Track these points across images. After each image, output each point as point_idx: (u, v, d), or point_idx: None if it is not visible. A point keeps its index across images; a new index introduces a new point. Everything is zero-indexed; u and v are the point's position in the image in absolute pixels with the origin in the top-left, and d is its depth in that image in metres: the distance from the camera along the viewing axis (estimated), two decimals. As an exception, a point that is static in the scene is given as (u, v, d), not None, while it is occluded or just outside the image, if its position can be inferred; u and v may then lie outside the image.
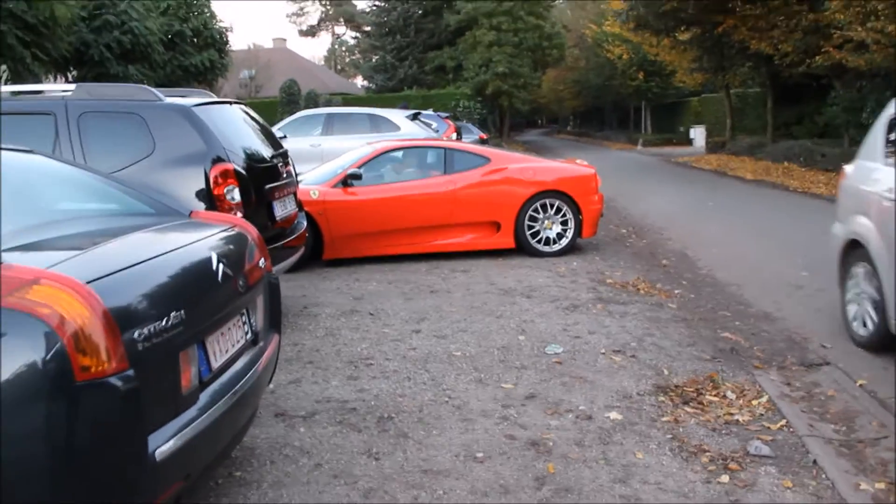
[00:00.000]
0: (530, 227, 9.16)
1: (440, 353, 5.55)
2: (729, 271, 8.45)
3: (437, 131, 16.73)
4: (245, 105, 6.71)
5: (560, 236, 9.22)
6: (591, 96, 54.29)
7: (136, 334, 2.35)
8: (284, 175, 6.42)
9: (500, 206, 9.12)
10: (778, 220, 12.64)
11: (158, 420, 2.46)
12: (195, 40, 26.82)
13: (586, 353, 5.50)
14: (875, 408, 4.57)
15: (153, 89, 5.71)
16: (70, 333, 2.16)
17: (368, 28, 58.38)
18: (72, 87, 5.80)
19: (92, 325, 2.20)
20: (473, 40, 39.24)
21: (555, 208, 9.16)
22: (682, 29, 27.28)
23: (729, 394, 4.77)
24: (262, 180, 5.88)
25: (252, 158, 5.90)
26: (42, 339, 2.13)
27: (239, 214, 5.14)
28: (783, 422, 4.33)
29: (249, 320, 3.33)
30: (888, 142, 5.78)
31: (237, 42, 30.48)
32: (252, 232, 3.61)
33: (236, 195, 5.43)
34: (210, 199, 5.30)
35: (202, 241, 3.13)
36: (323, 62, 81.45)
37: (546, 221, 9.20)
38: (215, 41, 27.51)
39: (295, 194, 6.72)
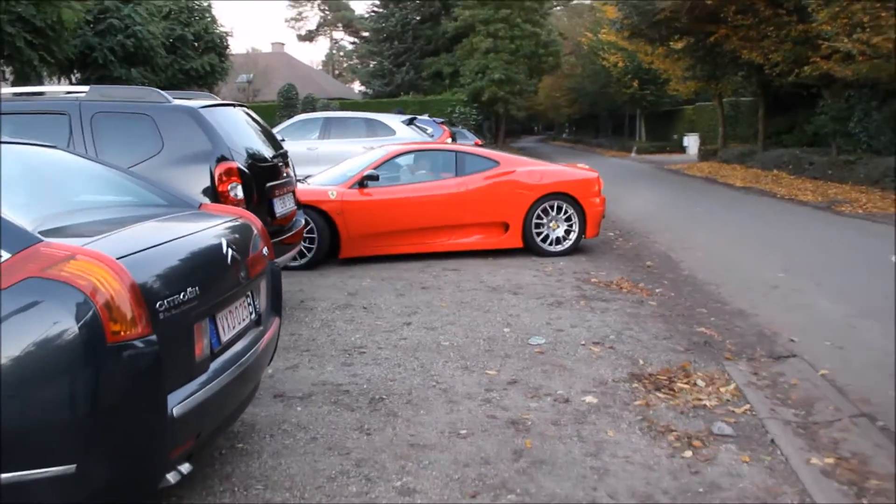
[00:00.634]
0: (537, 228, 9.57)
1: (429, 342, 5.88)
2: (709, 272, 8.80)
3: (433, 136, 17.07)
4: (247, 108, 7.05)
5: (565, 237, 9.66)
6: (587, 103, 54.67)
7: (158, 305, 2.69)
8: (284, 175, 6.76)
9: (508, 207, 9.52)
10: (762, 225, 13.01)
11: (176, 382, 2.80)
12: (196, 44, 27.22)
13: (567, 345, 5.84)
14: (833, 394, 4.91)
15: (162, 92, 6.06)
16: (102, 302, 2.49)
17: (366, 33, 58.79)
18: (84, 88, 6.13)
19: (121, 295, 2.54)
20: (470, 47, 39.64)
21: (560, 210, 9.59)
22: (676, 38, 27.65)
23: (699, 382, 5.10)
24: (263, 179, 6.22)
25: (254, 158, 6.24)
26: (79, 305, 2.46)
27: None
28: (747, 406, 4.67)
29: (254, 302, 3.66)
30: None
31: (236, 46, 30.83)
32: (257, 223, 3.95)
33: (239, 192, 5.77)
34: (214, 195, 5.64)
35: (213, 229, 3.46)
36: (321, 67, 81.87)
37: (552, 222, 9.63)
38: (216, 45, 27.91)
39: (294, 193, 7.06)
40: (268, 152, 6.65)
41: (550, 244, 9.64)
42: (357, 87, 64.69)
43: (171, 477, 2.85)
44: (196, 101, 6.11)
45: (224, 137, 5.87)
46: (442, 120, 21.68)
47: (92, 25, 21.21)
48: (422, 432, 4.21)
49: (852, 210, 14.46)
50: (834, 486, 3.65)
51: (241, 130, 6.36)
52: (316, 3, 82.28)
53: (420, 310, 6.92)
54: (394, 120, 16.34)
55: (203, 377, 2.98)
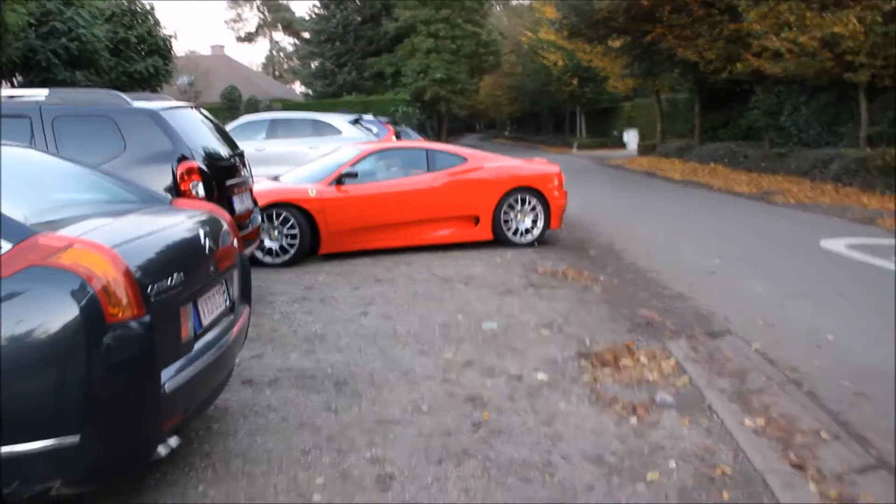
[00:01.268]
0: (506, 221, 9.98)
1: (387, 330, 6.16)
2: (650, 260, 9.22)
3: (378, 136, 17.28)
4: (203, 109, 7.25)
5: (531, 228, 10.08)
6: (528, 101, 55.45)
7: (149, 289, 2.93)
8: (242, 173, 6.97)
9: (478, 201, 9.92)
10: (700, 215, 13.56)
11: (166, 360, 3.04)
12: (140, 47, 27.05)
13: (518, 329, 6.16)
14: (764, 365, 5.32)
15: (121, 94, 6.23)
16: (100, 286, 2.72)
17: (307, 34, 58.62)
18: (44, 92, 6.27)
19: (117, 280, 2.77)
20: (412, 47, 39.89)
21: (525, 203, 10.02)
22: (614, 37, 28.31)
23: (642, 358, 5.46)
24: (222, 177, 6.44)
25: (213, 157, 6.44)
26: (79, 289, 2.69)
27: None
28: (686, 378, 5.04)
29: (228, 291, 3.90)
30: None
31: (176, 48, 30.53)
32: (226, 217, 4.18)
33: (200, 190, 5.97)
34: (177, 193, 5.84)
35: (188, 222, 3.69)
36: (261, 69, 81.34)
37: (519, 215, 10.05)
38: (159, 48, 27.76)
39: (251, 192, 7.27)
40: (225, 152, 6.86)
41: (519, 235, 10.07)
42: (298, 88, 64.44)
43: (162, 449, 3.09)
44: (156, 103, 6.29)
45: (184, 138, 6.07)
46: (386, 119, 21.92)
47: (34, 28, 21.00)
48: (386, 410, 4.49)
49: (784, 200, 15.10)
50: (764, 443, 4.02)
51: (198, 131, 6.56)
52: (255, 4, 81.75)
53: (376, 301, 7.18)
54: (339, 120, 16.52)
55: (189, 356, 3.22)
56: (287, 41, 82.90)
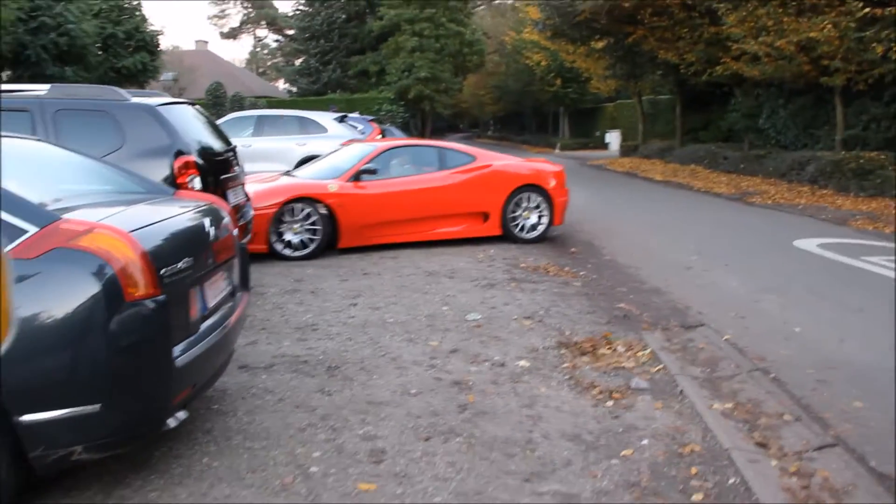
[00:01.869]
0: (513, 217, 10.31)
1: (375, 320, 6.41)
2: (629, 257, 9.52)
3: (364, 133, 17.53)
4: (198, 106, 7.46)
5: (536, 224, 10.43)
6: (511, 101, 55.73)
7: (163, 271, 3.17)
8: (235, 168, 7.19)
9: (489, 198, 10.25)
10: (679, 215, 13.89)
11: (178, 337, 3.28)
12: (128, 43, 27.16)
13: (501, 320, 6.43)
14: (735, 355, 5.61)
15: (120, 90, 6.44)
16: (119, 267, 2.96)
17: (291, 31, 58.67)
18: (45, 87, 6.47)
19: (134, 262, 3.01)
20: (396, 46, 40.13)
21: (530, 200, 10.38)
22: (596, 38, 28.61)
23: (619, 348, 5.74)
24: (217, 171, 6.67)
25: (208, 152, 6.67)
26: (101, 269, 2.93)
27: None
28: (661, 366, 5.32)
29: (230, 276, 4.14)
30: None
31: (161, 45, 30.68)
32: (226, 207, 4.42)
33: (197, 184, 6.20)
34: (174, 187, 6.05)
35: (193, 211, 3.93)
36: (244, 65, 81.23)
37: (525, 212, 10.38)
38: (147, 44, 27.89)
39: (243, 186, 7.49)
40: (219, 147, 7.08)
41: (525, 231, 10.41)
42: (282, 85, 64.49)
43: (172, 421, 3.33)
44: (153, 99, 6.51)
45: (181, 133, 6.29)
46: (372, 118, 22.15)
47: (24, 23, 21.07)
48: (377, 392, 4.74)
49: (762, 200, 15.46)
50: (731, 424, 4.31)
51: (194, 126, 6.78)
52: (239, 0, 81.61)
53: (364, 293, 7.43)
54: (326, 118, 16.74)
55: (196, 335, 3.47)
56: (271, 38, 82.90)
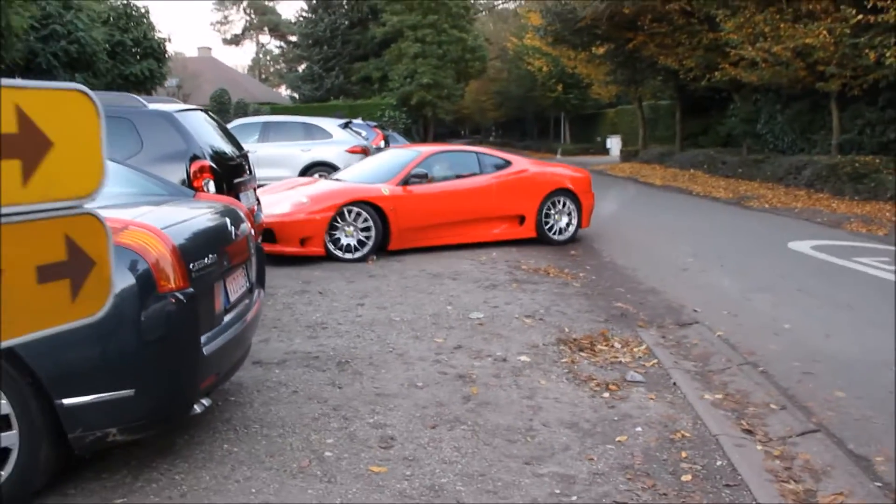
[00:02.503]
0: (546, 220, 10.71)
1: (382, 319, 6.67)
2: (628, 259, 9.79)
3: (367, 139, 17.80)
4: (210, 112, 7.74)
5: (566, 227, 10.86)
6: (513, 107, 56.00)
7: (191, 265, 3.43)
8: (247, 172, 7.46)
9: (526, 201, 10.66)
10: (678, 218, 14.16)
11: (205, 327, 3.54)
12: (135, 50, 27.51)
13: (503, 318, 6.69)
14: (726, 350, 5.87)
15: (137, 97, 6.72)
16: (152, 261, 3.23)
17: (294, 38, 59.00)
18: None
19: (166, 257, 3.27)
20: (399, 52, 40.38)
21: (562, 204, 10.81)
22: (597, 44, 28.97)
23: (616, 344, 6.00)
24: (231, 175, 6.94)
25: (222, 157, 6.94)
26: (135, 263, 3.19)
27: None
28: (655, 361, 5.58)
29: (248, 273, 4.40)
30: None
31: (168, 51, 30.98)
32: (243, 208, 4.69)
33: (212, 187, 6.47)
34: (192, 190, 6.32)
35: (214, 212, 4.19)
36: (247, 71, 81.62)
37: (557, 215, 10.81)
38: (154, 51, 28.21)
39: (255, 189, 7.76)
40: (231, 152, 7.35)
41: (557, 234, 10.81)
42: (284, 91, 64.79)
43: (198, 407, 3.59)
44: (170, 105, 6.79)
45: (196, 138, 6.57)
46: (375, 123, 22.43)
47: (36, 31, 21.38)
48: (385, 385, 5.00)
49: (759, 204, 15.73)
50: (720, 413, 4.57)
51: (208, 132, 7.06)
52: (241, 6, 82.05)
53: (370, 293, 7.69)
54: (329, 123, 16.99)
55: (220, 326, 3.73)
56: (274, 44, 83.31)
